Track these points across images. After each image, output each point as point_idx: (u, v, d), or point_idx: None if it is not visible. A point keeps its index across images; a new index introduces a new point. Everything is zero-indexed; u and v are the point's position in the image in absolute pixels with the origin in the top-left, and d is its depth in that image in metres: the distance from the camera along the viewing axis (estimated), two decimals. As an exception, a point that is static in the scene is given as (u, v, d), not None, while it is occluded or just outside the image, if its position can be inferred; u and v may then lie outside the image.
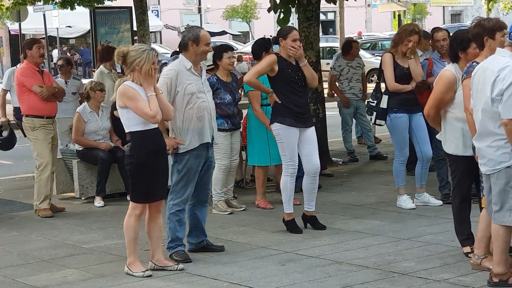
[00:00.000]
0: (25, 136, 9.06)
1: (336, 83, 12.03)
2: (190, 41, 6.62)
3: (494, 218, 5.53)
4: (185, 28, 36.02)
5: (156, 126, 6.21)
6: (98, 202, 9.18)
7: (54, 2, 17.91)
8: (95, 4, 17.32)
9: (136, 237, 6.28)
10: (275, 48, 8.10)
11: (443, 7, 51.50)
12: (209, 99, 6.74)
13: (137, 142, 6.17)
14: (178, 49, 6.82)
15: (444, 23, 48.68)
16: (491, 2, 32.68)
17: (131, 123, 6.17)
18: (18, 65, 9.74)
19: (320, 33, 20.60)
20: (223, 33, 42.13)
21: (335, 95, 12.20)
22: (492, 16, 27.93)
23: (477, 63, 5.80)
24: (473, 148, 5.86)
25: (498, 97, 5.32)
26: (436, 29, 9.02)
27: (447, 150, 6.40)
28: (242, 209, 8.52)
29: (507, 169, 5.39)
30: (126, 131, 6.23)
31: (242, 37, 47.97)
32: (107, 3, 19.25)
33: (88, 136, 9.41)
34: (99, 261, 6.77)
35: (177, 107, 6.56)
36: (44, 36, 32.11)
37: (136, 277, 6.17)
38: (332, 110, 13.76)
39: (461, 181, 6.28)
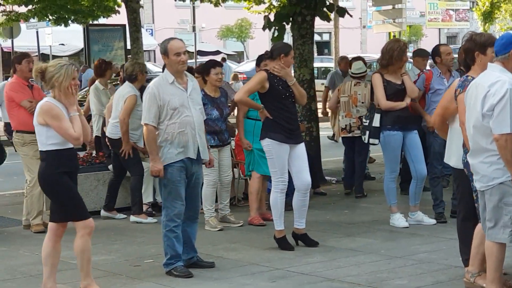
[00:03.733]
0: (16, 151, 9.04)
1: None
2: (162, 54, 6.70)
3: (488, 235, 5.53)
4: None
5: (72, 146, 5.99)
6: (118, 215, 9.13)
7: (47, 19, 17.97)
8: (89, 21, 17.38)
9: (54, 263, 6.03)
10: None
11: (439, 29, 51.76)
12: (194, 113, 6.66)
13: (52, 161, 5.97)
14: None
15: (440, 45, 48.80)
16: (487, 24, 32.84)
17: (49, 142, 5.95)
18: (8, 80, 9.72)
19: (315, 54, 20.57)
20: (217, 52, 42.20)
21: (329, 114, 12.12)
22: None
23: (472, 77, 5.80)
24: (464, 163, 5.84)
25: (489, 112, 5.34)
26: (441, 45, 8.95)
27: (451, 163, 6.20)
28: (240, 224, 8.52)
29: (500, 185, 5.39)
30: (41, 149, 6.02)
31: (237, 56, 48.07)
32: (101, 21, 19.33)
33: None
34: (88, 276, 6.72)
35: (160, 121, 6.56)
36: (37, 53, 32.13)
37: None
38: (325, 130, 13.78)
39: (465, 198, 6.05)
